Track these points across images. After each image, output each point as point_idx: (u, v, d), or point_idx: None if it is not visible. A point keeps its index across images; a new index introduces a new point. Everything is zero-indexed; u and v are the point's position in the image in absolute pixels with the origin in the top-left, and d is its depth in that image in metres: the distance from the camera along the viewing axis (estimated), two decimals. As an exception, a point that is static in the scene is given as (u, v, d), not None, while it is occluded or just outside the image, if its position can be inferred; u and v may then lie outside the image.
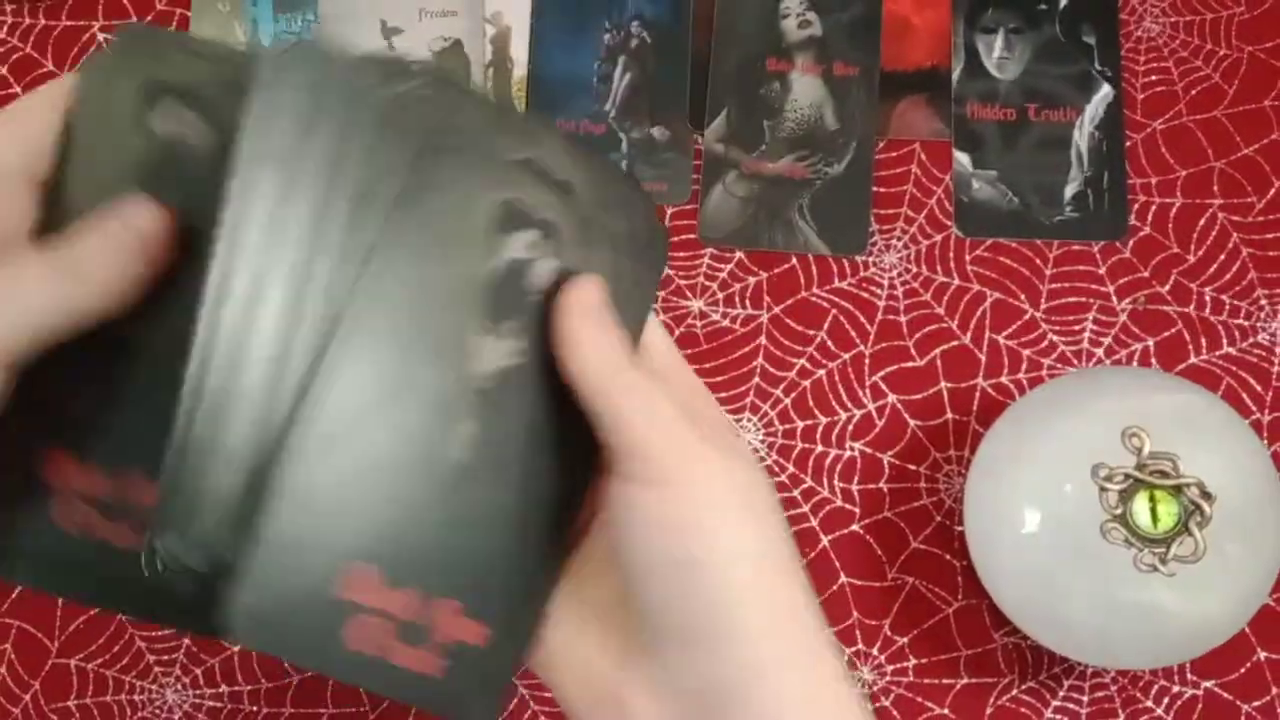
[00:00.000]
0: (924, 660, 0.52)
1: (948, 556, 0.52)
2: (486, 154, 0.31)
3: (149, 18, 0.57)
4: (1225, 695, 0.51)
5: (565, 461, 0.32)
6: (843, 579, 0.52)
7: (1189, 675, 0.51)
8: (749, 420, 0.54)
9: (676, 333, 0.54)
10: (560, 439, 0.32)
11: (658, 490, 0.31)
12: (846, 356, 0.54)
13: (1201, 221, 0.55)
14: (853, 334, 0.54)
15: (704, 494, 0.31)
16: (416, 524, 0.30)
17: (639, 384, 0.32)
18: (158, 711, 0.52)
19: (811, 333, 0.54)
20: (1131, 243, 0.55)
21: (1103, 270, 0.55)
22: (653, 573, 0.31)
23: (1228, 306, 0.54)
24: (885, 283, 0.55)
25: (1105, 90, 0.56)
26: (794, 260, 0.55)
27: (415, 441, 0.30)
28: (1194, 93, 0.56)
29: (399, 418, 0.30)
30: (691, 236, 0.55)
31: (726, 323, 0.54)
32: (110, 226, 0.29)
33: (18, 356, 0.28)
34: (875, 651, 0.52)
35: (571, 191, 0.32)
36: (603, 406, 0.31)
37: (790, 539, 0.33)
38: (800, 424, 0.54)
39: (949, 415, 0.54)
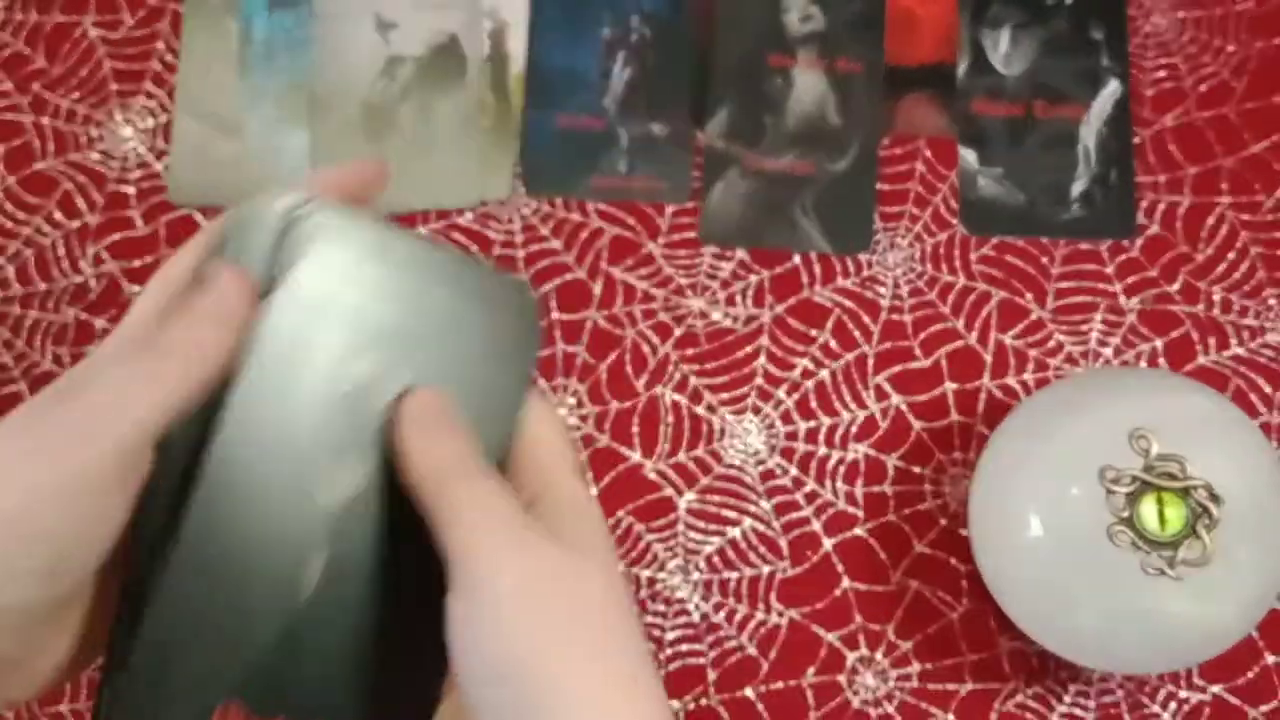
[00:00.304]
0: (928, 665, 0.51)
1: (952, 560, 0.52)
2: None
3: (141, 13, 0.57)
4: (1233, 700, 0.51)
5: (422, 582, 0.31)
6: (846, 583, 0.52)
7: (1196, 680, 0.51)
8: (750, 421, 0.53)
9: (677, 332, 0.54)
10: (416, 560, 0.31)
11: (466, 596, 0.29)
12: (850, 357, 0.54)
13: (1210, 220, 0.55)
14: (856, 334, 0.54)
15: (511, 596, 0.29)
16: (278, 657, 0.31)
17: (474, 489, 0.30)
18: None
19: (814, 333, 0.54)
20: (1139, 241, 0.54)
21: (1110, 269, 0.54)
22: (470, 689, 0.29)
23: (1236, 306, 0.54)
24: (889, 282, 0.54)
25: (1113, 86, 0.55)
26: (796, 259, 0.54)
27: (269, 578, 0.31)
28: (1202, 89, 0.56)
29: (255, 561, 0.31)
30: (691, 235, 0.55)
31: (728, 322, 0.54)
32: (207, 303, 0.31)
33: (164, 432, 0.29)
34: (879, 657, 0.51)
35: (423, 294, 0.33)
36: (434, 514, 0.30)
37: (641, 648, 0.30)
38: (803, 425, 0.53)
39: (954, 417, 0.53)
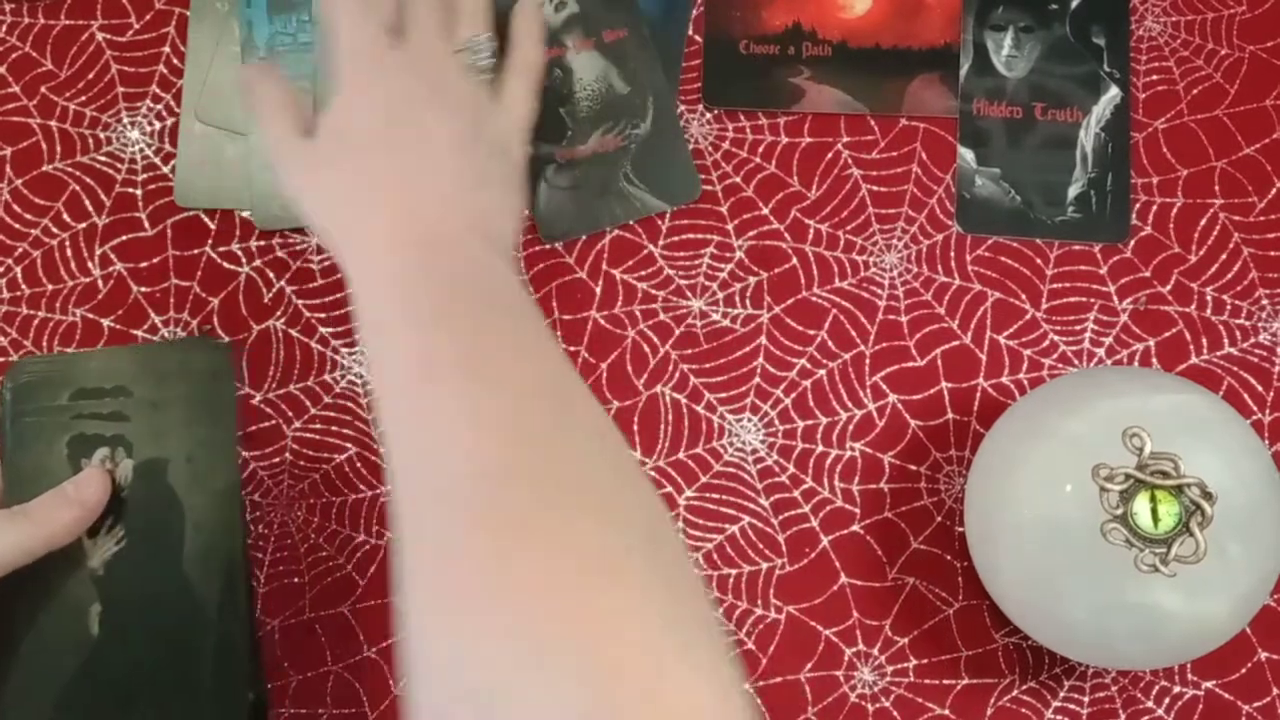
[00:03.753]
0: (924, 661, 0.52)
1: (948, 557, 0.52)
2: (47, 407, 0.44)
3: (147, 17, 0.57)
4: (1226, 696, 0.51)
5: (197, 604, 0.42)
6: (843, 579, 0.52)
7: (1190, 676, 0.51)
8: (749, 420, 0.54)
9: (676, 332, 0.54)
10: (182, 589, 0.42)
11: None
12: (847, 356, 0.54)
13: (1203, 221, 0.55)
14: (853, 334, 0.54)
15: None
16: (73, 693, 0.41)
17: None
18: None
19: (812, 333, 0.54)
20: (1133, 242, 0.55)
21: (1104, 270, 0.55)
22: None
23: (1229, 307, 0.54)
24: (886, 282, 0.55)
25: (1113, 92, 0.56)
26: (795, 260, 0.55)
27: (61, 632, 0.42)
28: (1195, 92, 0.56)
29: (46, 623, 0.42)
30: (692, 236, 0.55)
31: (727, 323, 0.54)
32: (63, 488, 0.44)
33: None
34: (876, 652, 0.52)
35: (127, 392, 0.45)
36: None
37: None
38: (801, 424, 0.53)
39: (950, 415, 0.54)
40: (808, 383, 0.54)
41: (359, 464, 0.53)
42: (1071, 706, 0.51)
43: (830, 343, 0.54)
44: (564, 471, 0.37)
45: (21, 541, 0.41)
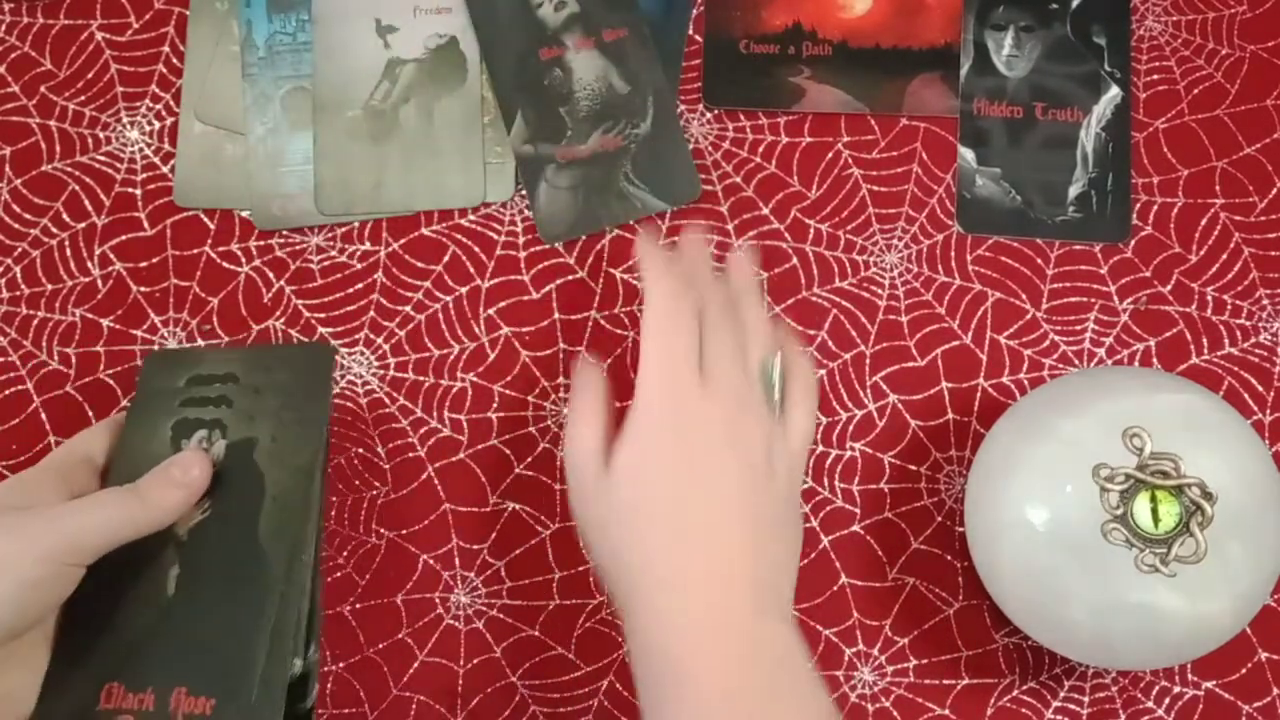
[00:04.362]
0: (924, 661, 0.51)
1: (948, 557, 0.52)
2: (156, 395, 0.48)
3: (147, 17, 0.57)
4: (1226, 696, 0.51)
5: (267, 572, 0.44)
6: (843, 579, 0.52)
7: (1190, 676, 0.51)
8: (749, 420, 0.53)
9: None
10: (255, 557, 0.44)
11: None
12: (847, 356, 0.54)
13: (1203, 221, 0.55)
14: (853, 334, 0.54)
15: None
16: (146, 646, 0.43)
17: None
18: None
19: (812, 332, 0.54)
20: (1133, 242, 0.55)
21: (1104, 270, 0.55)
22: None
23: (1229, 306, 0.54)
24: (886, 282, 0.55)
25: (1114, 92, 0.55)
26: (795, 260, 0.55)
27: (141, 590, 0.44)
28: (1196, 92, 0.56)
29: (129, 580, 0.44)
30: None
31: (727, 322, 0.54)
32: (170, 469, 0.45)
33: (91, 557, 0.42)
34: (876, 652, 0.52)
35: (235, 379, 0.47)
36: None
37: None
38: (801, 424, 0.53)
39: (950, 415, 0.54)
40: (808, 383, 0.54)
41: (359, 464, 0.53)
42: (1072, 707, 0.51)
43: (830, 343, 0.54)
44: None
45: (134, 519, 0.43)
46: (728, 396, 0.44)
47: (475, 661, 0.51)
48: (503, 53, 0.56)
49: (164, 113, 0.56)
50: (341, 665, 0.52)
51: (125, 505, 0.43)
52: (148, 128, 0.56)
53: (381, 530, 0.53)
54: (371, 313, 0.55)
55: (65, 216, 0.56)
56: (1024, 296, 0.54)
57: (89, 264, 0.55)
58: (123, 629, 0.44)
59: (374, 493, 0.53)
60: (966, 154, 0.55)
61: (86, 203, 0.56)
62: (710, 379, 0.44)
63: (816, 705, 0.41)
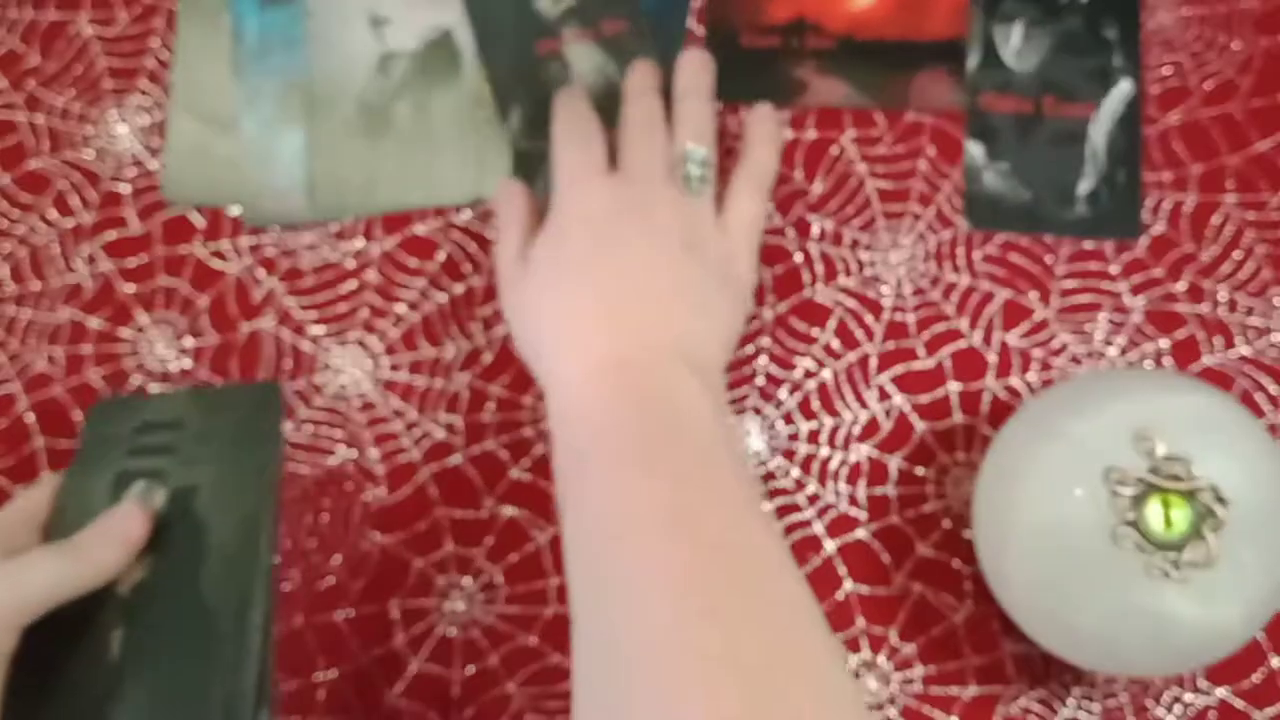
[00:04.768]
0: (932, 668, 0.51)
1: (956, 563, 0.52)
2: (100, 446, 0.46)
3: (137, 11, 0.56)
4: (1239, 704, 0.50)
5: (214, 630, 0.42)
6: (849, 586, 0.51)
7: (1201, 683, 0.51)
8: (752, 422, 0.53)
9: (677, 332, 0.53)
10: (200, 615, 0.42)
11: None
12: (852, 357, 0.53)
13: (1215, 219, 0.54)
14: (858, 333, 0.53)
15: None
16: (93, 713, 0.41)
17: None
18: None
19: (816, 332, 0.53)
20: (1144, 241, 0.54)
21: (1115, 268, 0.54)
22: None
23: (1242, 306, 0.53)
24: (892, 281, 0.54)
25: (1124, 86, 0.55)
26: (798, 257, 0.54)
27: (86, 653, 0.42)
28: (1207, 87, 0.55)
29: (74, 643, 0.42)
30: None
31: (728, 322, 0.53)
32: (107, 524, 0.43)
33: (28, 618, 0.40)
34: (882, 660, 0.51)
35: (182, 425, 0.46)
36: None
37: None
38: (805, 427, 0.53)
39: (957, 418, 0.53)
40: (812, 384, 0.53)
41: (351, 467, 0.52)
42: (1081, 715, 0.50)
43: (834, 343, 0.53)
44: (752, 651, 0.37)
45: (70, 577, 0.41)
46: (636, 181, 0.47)
47: (471, 670, 0.51)
48: (499, 46, 0.55)
49: (153, 108, 0.56)
50: (335, 673, 0.51)
51: (59, 563, 0.41)
52: (137, 123, 0.56)
53: (374, 535, 0.52)
54: (364, 312, 0.54)
55: (52, 214, 0.55)
56: (1033, 296, 0.53)
57: (76, 262, 0.54)
58: (69, 695, 0.42)
59: (366, 497, 0.52)
60: (974, 149, 0.54)
61: (74, 199, 0.55)
62: (621, 170, 0.48)
63: (716, 457, 0.42)
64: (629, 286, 0.45)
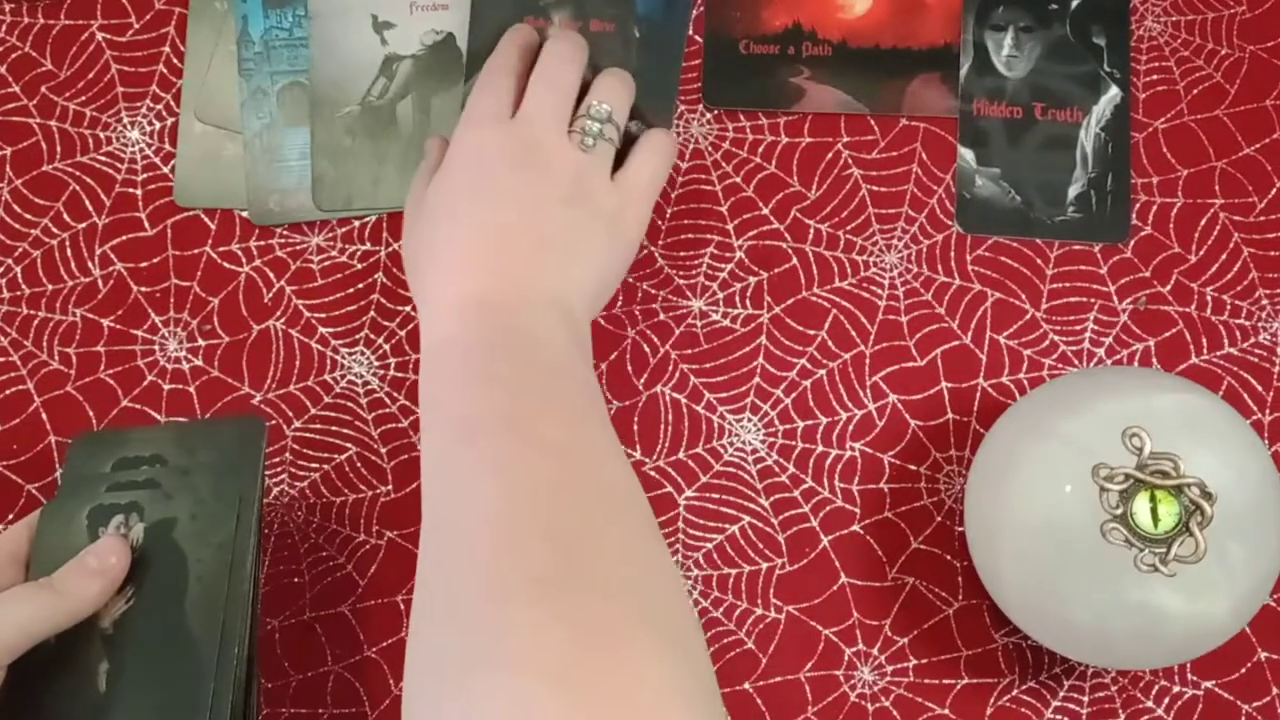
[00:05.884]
0: (924, 660, 0.52)
1: (948, 557, 0.52)
2: (80, 481, 0.46)
3: (147, 17, 0.57)
4: (1226, 695, 0.51)
5: (198, 661, 0.42)
6: (843, 579, 0.52)
7: (1189, 675, 0.51)
8: (749, 420, 0.53)
9: (676, 332, 0.54)
10: (183, 647, 0.43)
11: None
12: (847, 356, 0.54)
13: (1203, 221, 0.55)
14: (853, 334, 0.54)
15: None
16: None
17: None
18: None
19: (812, 332, 0.54)
20: (1133, 242, 0.55)
21: (1104, 270, 0.55)
22: None
23: (1229, 306, 0.54)
24: (886, 282, 0.55)
25: (1113, 92, 0.55)
26: (795, 260, 0.55)
27: (72, 688, 0.42)
28: (1195, 92, 0.56)
29: (61, 679, 0.43)
30: (690, 236, 0.55)
31: (727, 322, 0.54)
32: (86, 559, 0.44)
33: (10, 656, 0.41)
34: (875, 652, 0.52)
35: (163, 460, 0.46)
36: None
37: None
38: (801, 424, 0.53)
39: (950, 415, 0.54)
40: (808, 383, 0.54)
41: (359, 464, 0.53)
42: (1071, 706, 0.51)
43: (830, 343, 0.54)
44: (571, 525, 0.39)
45: (49, 615, 0.42)
46: (529, 128, 0.48)
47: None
48: (486, 22, 0.56)
49: (164, 113, 0.56)
50: (342, 665, 0.52)
51: (39, 600, 0.42)
52: (148, 128, 0.56)
53: (383, 530, 0.53)
54: (372, 313, 0.55)
55: (66, 217, 0.56)
56: (1023, 297, 0.54)
57: (89, 264, 0.55)
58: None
59: (375, 493, 0.53)
60: (966, 154, 0.55)
61: (87, 203, 0.56)
62: (518, 115, 0.48)
63: (561, 373, 0.44)
64: (506, 230, 0.46)
